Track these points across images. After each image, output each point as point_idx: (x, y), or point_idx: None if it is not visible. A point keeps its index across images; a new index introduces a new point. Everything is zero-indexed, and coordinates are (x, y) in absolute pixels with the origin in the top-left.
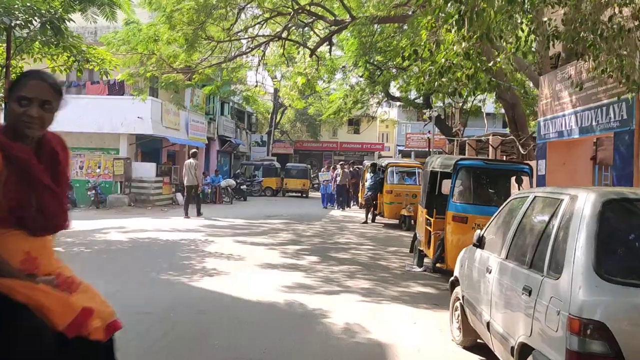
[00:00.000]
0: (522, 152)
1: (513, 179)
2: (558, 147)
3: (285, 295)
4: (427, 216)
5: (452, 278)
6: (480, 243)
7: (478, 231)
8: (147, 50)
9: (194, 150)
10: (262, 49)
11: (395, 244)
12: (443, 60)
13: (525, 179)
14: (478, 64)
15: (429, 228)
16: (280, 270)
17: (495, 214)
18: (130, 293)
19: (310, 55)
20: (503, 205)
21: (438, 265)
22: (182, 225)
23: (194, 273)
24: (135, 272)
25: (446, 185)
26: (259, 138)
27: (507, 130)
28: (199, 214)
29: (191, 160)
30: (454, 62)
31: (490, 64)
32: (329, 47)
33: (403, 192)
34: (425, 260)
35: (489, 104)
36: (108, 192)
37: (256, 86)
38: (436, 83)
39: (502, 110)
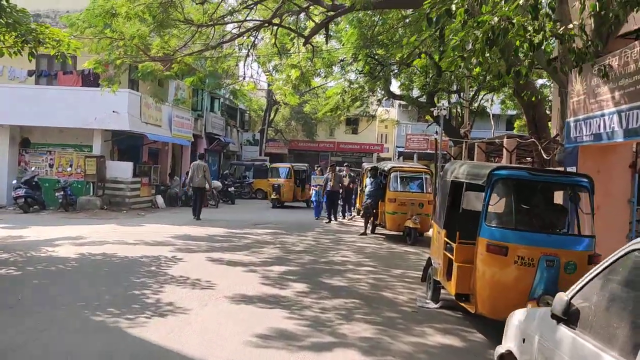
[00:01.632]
0: (545, 157)
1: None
2: (592, 152)
3: (256, 354)
4: (446, 239)
5: (501, 350)
6: (568, 316)
7: (563, 296)
8: (105, 29)
9: (202, 152)
10: (251, 37)
11: (400, 265)
12: (496, 19)
13: (584, 195)
14: (548, 27)
15: (449, 255)
16: (257, 306)
17: (596, 269)
18: (37, 348)
19: (305, 44)
20: (614, 257)
21: (463, 304)
22: (152, 235)
23: (142, 311)
24: (62, 308)
25: (471, 201)
26: (251, 136)
27: (514, 132)
28: (198, 217)
29: (199, 161)
30: (514, 21)
31: (561, 30)
32: (325, 36)
33: (408, 200)
34: (442, 291)
35: (495, 104)
36: (79, 193)
37: (244, 78)
38: (478, 58)
39: (510, 112)
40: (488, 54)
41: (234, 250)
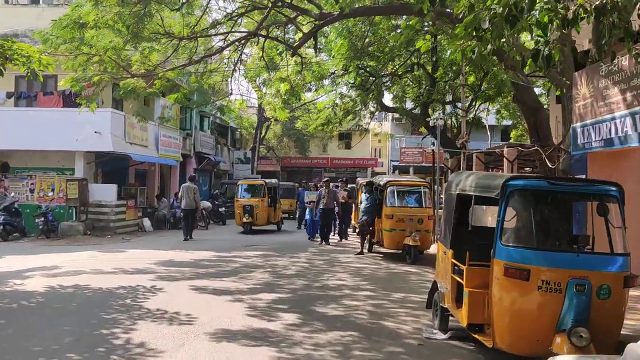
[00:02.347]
0: (550, 165)
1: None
2: (602, 159)
3: None
4: (454, 260)
5: None
6: None
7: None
8: (81, 45)
9: (192, 174)
10: (237, 51)
11: (401, 287)
12: None
13: (613, 207)
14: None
15: (458, 279)
16: (241, 344)
17: None
18: None
19: (292, 55)
20: None
21: (477, 336)
22: (133, 262)
23: (107, 356)
24: (9, 357)
25: (481, 217)
26: (243, 155)
27: (512, 142)
28: (190, 237)
29: (189, 183)
30: None
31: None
32: (314, 47)
33: (406, 216)
34: (451, 319)
35: (491, 114)
36: (62, 218)
37: (231, 94)
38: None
39: (505, 122)
40: (506, 35)
41: (221, 277)
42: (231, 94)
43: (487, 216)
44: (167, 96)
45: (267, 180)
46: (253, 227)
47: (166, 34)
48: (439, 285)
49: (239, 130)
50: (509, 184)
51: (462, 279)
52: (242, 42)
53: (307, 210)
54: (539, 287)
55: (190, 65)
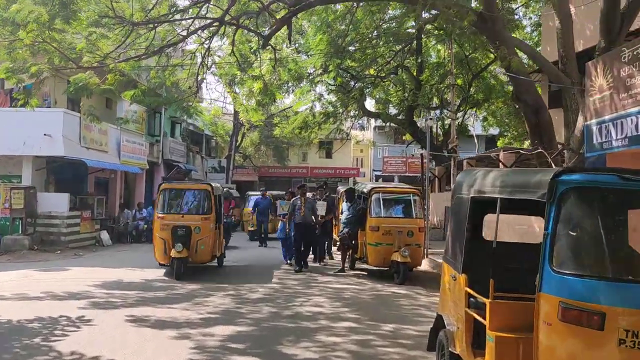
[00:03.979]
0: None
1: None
2: (624, 160)
3: None
4: (469, 290)
5: None
6: None
7: None
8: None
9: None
10: (204, 44)
11: (390, 315)
12: None
13: None
14: None
15: (477, 317)
16: None
17: None
18: None
19: (264, 46)
20: None
21: None
22: (71, 283)
23: None
24: None
25: (493, 227)
26: (217, 163)
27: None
28: None
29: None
30: None
31: None
32: (288, 38)
33: (394, 228)
34: None
35: (477, 123)
36: (7, 231)
37: (197, 91)
38: None
39: (492, 131)
40: None
41: (170, 303)
42: (197, 91)
43: (509, 228)
44: (122, 94)
45: (214, 185)
46: (188, 264)
47: (116, 17)
48: (445, 322)
49: (214, 138)
50: (562, 179)
51: (484, 317)
52: (209, 33)
53: (281, 225)
54: (621, 342)
55: (147, 56)
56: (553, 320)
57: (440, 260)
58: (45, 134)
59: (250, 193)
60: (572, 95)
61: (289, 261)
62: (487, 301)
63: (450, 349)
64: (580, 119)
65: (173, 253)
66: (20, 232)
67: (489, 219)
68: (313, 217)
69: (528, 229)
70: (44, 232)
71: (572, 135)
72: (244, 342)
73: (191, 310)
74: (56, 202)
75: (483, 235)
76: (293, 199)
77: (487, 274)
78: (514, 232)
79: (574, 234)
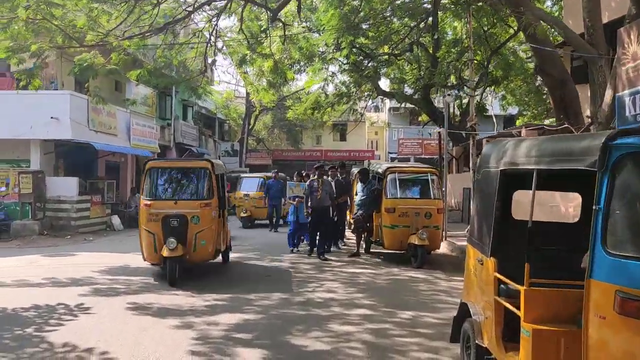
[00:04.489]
0: None
1: None
2: None
3: None
4: (499, 276)
5: None
6: None
7: None
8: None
9: None
10: (212, 21)
11: (408, 302)
12: None
13: None
14: None
15: (507, 305)
16: None
17: None
18: None
19: (272, 20)
20: None
21: None
22: (76, 269)
23: None
24: None
25: (524, 205)
26: (230, 147)
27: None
28: None
29: None
30: None
31: None
32: (297, 10)
33: (411, 210)
34: None
35: (495, 103)
36: (17, 216)
37: (204, 71)
38: None
39: (512, 110)
40: None
41: (177, 288)
42: (205, 70)
43: (538, 206)
44: (127, 73)
45: (215, 161)
46: (185, 266)
47: None
48: (471, 311)
49: (227, 121)
50: (617, 143)
51: (518, 307)
52: (215, 9)
53: (291, 208)
54: None
55: (151, 34)
56: (607, 312)
57: (460, 243)
58: (52, 117)
59: (243, 175)
60: (599, 68)
61: (295, 249)
62: (521, 288)
63: (476, 341)
64: (608, 92)
65: (165, 251)
66: (29, 217)
67: (519, 195)
68: (329, 197)
69: (558, 207)
70: (54, 217)
71: (599, 109)
72: (251, 332)
73: (196, 297)
74: (65, 187)
75: (512, 214)
76: (309, 180)
77: (519, 258)
78: (544, 211)
79: (634, 208)
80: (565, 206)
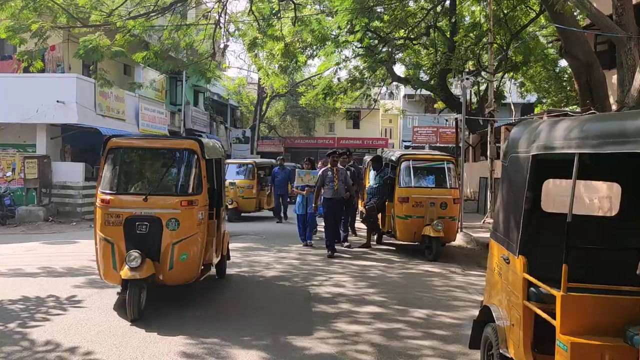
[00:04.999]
0: None
1: None
2: None
3: None
4: (529, 277)
5: None
6: None
7: None
8: None
9: None
10: (220, 1)
11: (422, 298)
12: None
13: None
14: None
15: (539, 312)
16: None
17: None
18: None
19: (283, 0)
20: None
21: None
22: (74, 257)
23: None
24: None
25: (555, 196)
26: (241, 134)
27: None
28: None
29: None
30: None
31: None
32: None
33: (426, 199)
34: None
35: (513, 90)
36: (21, 202)
37: (213, 54)
38: None
39: (530, 97)
40: None
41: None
42: (214, 53)
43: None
44: (134, 55)
45: (206, 142)
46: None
47: None
48: (494, 315)
49: (239, 108)
50: None
51: (551, 314)
52: None
53: (299, 199)
54: None
55: (157, 14)
56: None
57: (476, 235)
58: (58, 101)
59: (229, 161)
60: (627, 51)
61: (309, 241)
62: (557, 294)
63: (500, 350)
64: (638, 76)
65: (125, 271)
66: (35, 203)
67: (548, 185)
68: (346, 188)
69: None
70: (60, 202)
71: (627, 94)
72: (251, 331)
73: (197, 287)
74: (71, 172)
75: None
76: (323, 168)
77: (550, 256)
78: (562, 203)
79: None
80: (590, 197)
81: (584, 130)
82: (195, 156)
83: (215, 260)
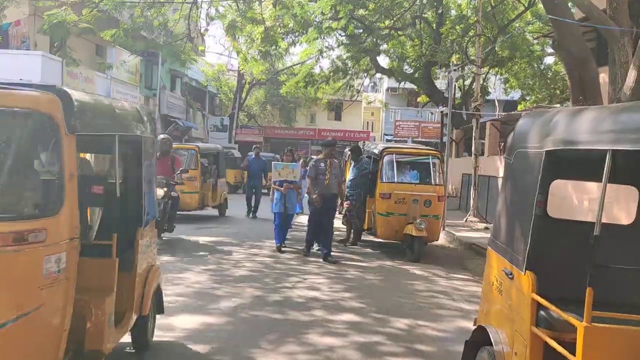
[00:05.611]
0: None
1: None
2: None
3: None
4: (539, 299)
5: None
6: None
7: None
8: None
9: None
10: None
11: (405, 305)
12: None
13: None
14: None
15: (554, 345)
16: None
17: None
18: None
19: None
20: None
21: None
22: None
23: None
24: None
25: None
26: (219, 121)
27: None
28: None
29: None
30: None
31: None
32: None
33: (409, 196)
34: None
35: (497, 86)
36: None
37: (188, 35)
38: None
39: (514, 94)
40: None
41: None
42: (189, 35)
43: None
44: (103, 33)
45: (84, 97)
46: None
47: None
48: (492, 338)
49: (219, 95)
50: None
51: (565, 345)
52: None
53: (277, 195)
54: None
55: None
56: None
57: (459, 234)
58: (20, 79)
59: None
60: (621, 46)
61: (281, 244)
62: (579, 324)
63: None
64: (632, 73)
65: None
66: None
67: (557, 186)
68: (338, 183)
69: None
70: None
71: (620, 92)
72: (208, 342)
73: None
74: None
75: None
76: (315, 158)
77: (561, 271)
78: (565, 207)
79: None
80: (579, 199)
81: (619, 121)
82: (54, 129)
83: (131, 323)
